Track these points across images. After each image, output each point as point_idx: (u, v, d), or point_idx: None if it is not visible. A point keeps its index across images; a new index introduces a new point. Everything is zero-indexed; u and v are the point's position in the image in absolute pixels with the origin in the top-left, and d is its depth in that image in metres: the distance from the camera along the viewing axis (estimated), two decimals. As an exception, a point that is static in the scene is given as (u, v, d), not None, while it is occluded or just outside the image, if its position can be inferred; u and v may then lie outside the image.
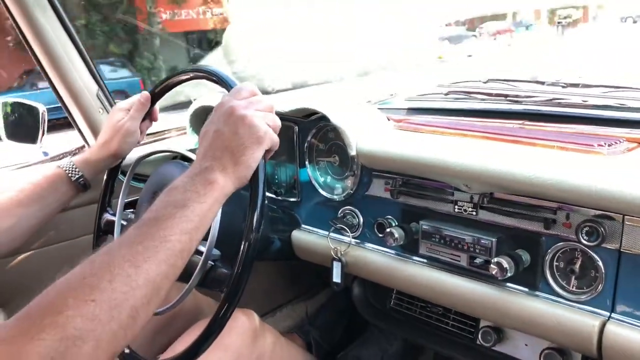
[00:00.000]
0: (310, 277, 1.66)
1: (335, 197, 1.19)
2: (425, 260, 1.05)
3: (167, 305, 0.84)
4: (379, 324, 1.34)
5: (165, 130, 1.56)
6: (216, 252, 0.83)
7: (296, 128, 1.24)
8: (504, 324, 1.03)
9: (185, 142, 1.45)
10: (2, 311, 1.18)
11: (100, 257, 0.56)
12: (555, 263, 0.89)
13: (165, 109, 1.17)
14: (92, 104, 1.35)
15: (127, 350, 0.89)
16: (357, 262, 1.15)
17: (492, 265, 0.89)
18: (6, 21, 1.25)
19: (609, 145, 0.90)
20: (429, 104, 1.33)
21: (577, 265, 0.86)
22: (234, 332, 1.03)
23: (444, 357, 1.23)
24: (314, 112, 1.18)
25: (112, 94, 1.40)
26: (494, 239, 0.93)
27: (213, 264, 0.82)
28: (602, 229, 0.81)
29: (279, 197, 1.32)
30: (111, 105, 1.37)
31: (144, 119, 1.03)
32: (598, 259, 0.83)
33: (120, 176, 1.11)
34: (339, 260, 1.16)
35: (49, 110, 1.27)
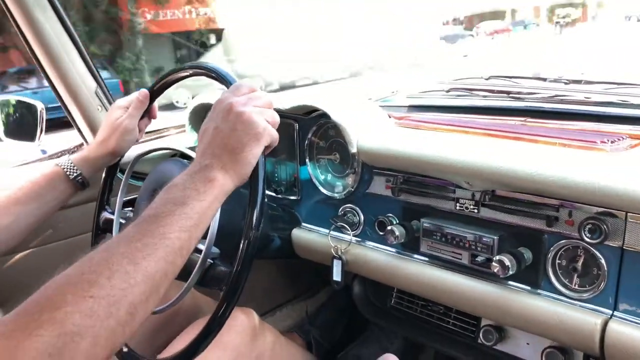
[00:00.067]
0: (311, 276, 1.66)
1: (335, 195, 1.18)
2: (426, 259, 1.04)
3: (166, 303, 0.83)
4: (379, 323, 1.34)
5: (164, 128, 1.55)
6: (215, 250, 0.83)
7: (296, 125, 1.23)
8: (505, 323, 1.03)
9: (184, 139, 1.45)
10: (0, 309, 1.18)
11: (99, 253, 0.56)
12: (557, 261, 0.88)
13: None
14: (90, 102, 1.35)
15: (125, 349, 0.88)
16: (357, 261, 1.14)
17: (493, 264, 0.89)
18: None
19: (612, 142, 0.90)
20: (430, 101, 1.32)
21: (580, 263, 0.85)
22: (233, 330, 1.03)
23: (444, 356, 1.22)
24: (315, 110, 1.18)
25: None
26: (495, 237, 0.92)
27: (212, 262, 0.81)
28: (605, 227, 0.80)
29: (279, 195, 1.31)
30: (110, 103, 1.36)
31: (142, 117, 1.03)
32: (600, 256, 0.83)
33: (119, 174, 1.10)
34: (340, 258, 1.15)
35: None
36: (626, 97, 1.09)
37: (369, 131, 1.09)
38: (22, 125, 1.30)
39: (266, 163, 0.77)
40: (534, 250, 0.90)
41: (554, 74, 1.26)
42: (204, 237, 0.76)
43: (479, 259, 0.95)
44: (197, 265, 0.80)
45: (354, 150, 1.08)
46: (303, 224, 1.27)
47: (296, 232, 1.26)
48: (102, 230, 1.07)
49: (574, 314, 0.85)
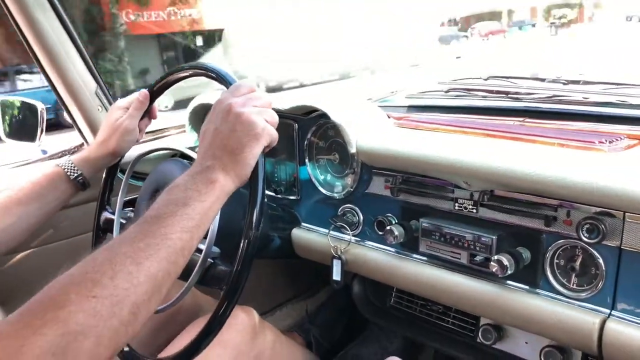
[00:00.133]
0: (310, 276, 1.66)
1: (335, 195, 1.19)
2: (425, 258, 1.05)
3: (166, 303, 0.84)
4: (379, 322, 1.34)
5: (164, 128, 1.56)
6: (216, 249, 0.83)
7: (296, 126, 1.24)
8: (504, 322, 1.03)
9: (185, 139, 1.45)
10: (1, 309, 1.18)
11: (102, 253, 0.56)
12: (555, 260, 0.89)
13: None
14: (90, 102, 1.35)
15: (126, 348, 0.88)
16: (357, 260, 1.15)
17: (492, 263, 0.89)
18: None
19: (610, 142, 0.90)
20: (429, 102, 1.32)
21: (578, 263, 0.86)
22: (233, 329, 1.03)
23: (444, 355, 1.23)
24: (314, 110, 1.18)
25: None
26: (494, 237, 0.93)
27: (212, 261, 0.82)
28: (603, 227, 0.81)
29: (279, 195, 1.32)
30: (110, 103, 1.37)
31: (142, 117, 1.03)
32: (599, 256, 0.83)
33: (119, 174, 1.10)
34: (339, 258, 1.15)
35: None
36: (624, 97, 1.09)
37: (368, 131, 1.10)
38: (23, 125, 1.30)
39: (266, 163, 0.77)
40: (533, 249, 0.90)
41: (552, 75, 1.26)
42: (205, 236, 0.76)
43: (478, 258, 0.95)
44: (198, 265, 0.80)
45: (353, 150, 1.09)
46: (303, 223, 1.27)
47: (296, 232, 1.27)
48: (102, 230, 1.08)
49: (572, 313, 0.85)
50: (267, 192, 1.32)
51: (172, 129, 1.56)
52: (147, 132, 1.15)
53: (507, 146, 0.96)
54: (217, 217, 0.83)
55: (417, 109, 1.31)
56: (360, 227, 1.16)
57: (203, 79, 0.89)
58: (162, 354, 0.82)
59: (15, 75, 9.46)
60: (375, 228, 1.12)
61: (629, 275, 0.81)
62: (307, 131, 1.22)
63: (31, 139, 1.29)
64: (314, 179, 1.22)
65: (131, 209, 1.08)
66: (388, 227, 1.04)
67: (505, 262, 0.87)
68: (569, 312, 0.85)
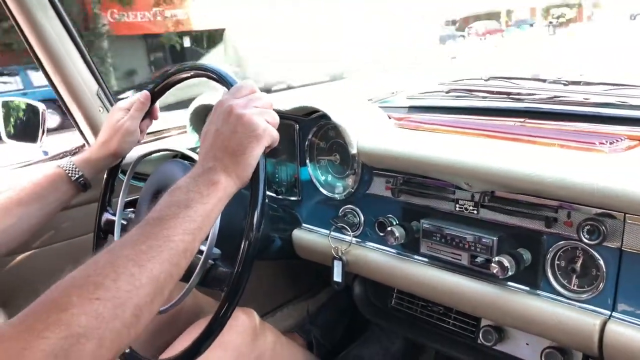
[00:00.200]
0: (311, 276, 1.66)
1: (336, 195, 1.19)
2: (426, 259, 1.05)
3: (168, 304, 0.84)
4: (380, 323, 1.34)
5: (165, 129, 1.56)
6: (216, 251, 0.83)
7: (297, 126, 1.24)
8: (505, 323, 1.03)
9: (186, 140, 1.45)
10: (2, 310, 1.18)
11: (104, 256, 0.56)
12: (556, 262, 0.89)
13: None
14: (92, 103, 1.35)
15: (127, 350, 0.89)
16: (357, 261, 1.15)
17: (493, 264, 0.89)
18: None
19: (610, 143, 0.90)
20: (430, 102, 1.33)
21: (578, 264, 0.86)
22: (234, 330, 1.03)
23: (445, 356, 1.23)
24: (315, 111, 1.18)
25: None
26: (495, 238, 0.93)
27: (213, 263, 0.82)
28: (604, 228, 0.81)
29: (280, 196, 1.32)
30: (111, 104, 1.37)
31: (144, 118, 1.03)
32: (599, 257, 0.83)
33: (121, 175, 1.10)
34: (340, 259, 1.15)
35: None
36: (625, 98, 1.09)
37: (369, 132, 1.10)
38: (24, 126, 1.30)
39: (267, 164, 0.77)
40: (533, 251, 0.90)
41: (553, 75, 1.26)
42: (205, 238, 0.76)
43: (479, 259, 0.95)
44: (199, 266, 0.80)
45: (354, 151, 1.09)
46: (303, 224, 1.27)
47: (297, 233, 1.27)
48: (103, 231, 1.08)
49: (572, 314, 0.85)
50: (267, 192, 1.32)
51: (173, 129, 1.57)
52: (148, 133, 1.15)
53: (508, 147, 0.96)
54: (218, 218, 0.83)
55: (418, 109, 1.31)
56: (361, 228, 1.16)
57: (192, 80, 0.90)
58: (163, 356, 0.83)
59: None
60: (376, 229, 1.12)
61: (630, 276, 0.81)
62: (308, 132, 1.22)
63: (32, 139, 1.29)
64: (314, 180, 1.23)
65: (132, 209, 1.08)
66: (389, 228, 1.04)
67: (506, 264, 0.87)
68: (569, 314, 0.85)
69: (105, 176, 1.09)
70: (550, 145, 0.94)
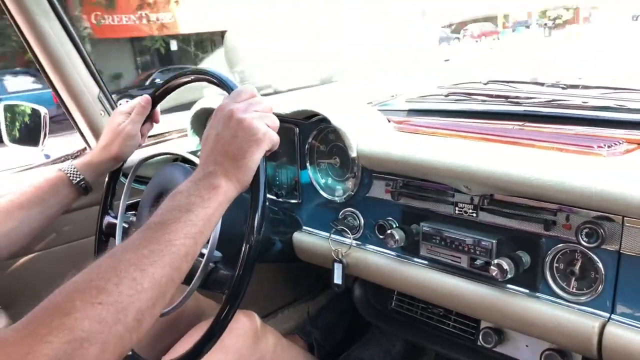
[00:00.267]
0: (311, 279, 1.67)
1: (336, 198, 1.19)
2: (425, 262, 1.05)
3: (169, 307, 0.84)
4: (380, 325, 1.35)
5: (166, 133, 1.57)
6: (217, 254, 0.83)
7: (297, 130, 1.25)
8: (504, 325, 1.04)
9: (187, 144, 1.46)
10: (4, 313, 1.19)
11: (106, 261, 0.57)
12: (555, 264, 0.89)
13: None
14: (93, 107, 1.36)
15: (129, 353, 0.89)
16: (358, 264, 1.15)
17: (492, 267, 0.90)
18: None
19: (609, 147, 0.91)
20: (429, 105, 1.33)
21: (577, 267, 0.86)
22: (235, 333, 1.03)
23: (445, 358, 1.23)
24: (315, 114, 1.19)
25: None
26: (494, 241, 0.93)
27: (214, 265, 0.82)
28: (602, 231, 0.81)
29: (280, 199, 1.32)
30: (112, 108, 1.37)
31: (145, 122, 1.04)
32: (598, 260, 0.84)
33: (122, 179, 1.11)
34: (340, 261, 1.16)
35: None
36: (623, 101, 1.09)
37: (368, 135, 1.10)
38: (26, 130, 1.31)
39: (267, 167, 0.78)
40: (532, 253, 0.91)
41: (552, 79, 1.27)
42: (207, 241, 0.77)
43: (478, 262, 0.95)
44: (200, 269, 0.81)
45: (353, 154, 1.10)
46: (304, 227, 1.28)
47: (297, 236, 1.27)
48: (105, 234, 1.08)
49: (571, 317, 0.85)
50: (268, 195, 1.33)
51: (174, 133, 1.57)
52: (149, 137, 1.15)
53: (507, 150, 0.97)
54: (219, 222, 0.83)
55: (417, 112, 1.31)
56: (361, 231, 1.16)
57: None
58: (165, 358, 0.83)
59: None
60: (376, 232, 1.12)
61: (628, 279, 0.82)
62: (308, 135, 1.23)
63: (34, 143, 1.30)
64: (315, 183, 1.23)
65: (134, 212, 1.08)
66: (389, 231, 1.04)
67: (505, 266, 0.88)
68: (568, 316, 0.86)
69: (106, 179, 1.09)
70: (548, 149, 0.94)
